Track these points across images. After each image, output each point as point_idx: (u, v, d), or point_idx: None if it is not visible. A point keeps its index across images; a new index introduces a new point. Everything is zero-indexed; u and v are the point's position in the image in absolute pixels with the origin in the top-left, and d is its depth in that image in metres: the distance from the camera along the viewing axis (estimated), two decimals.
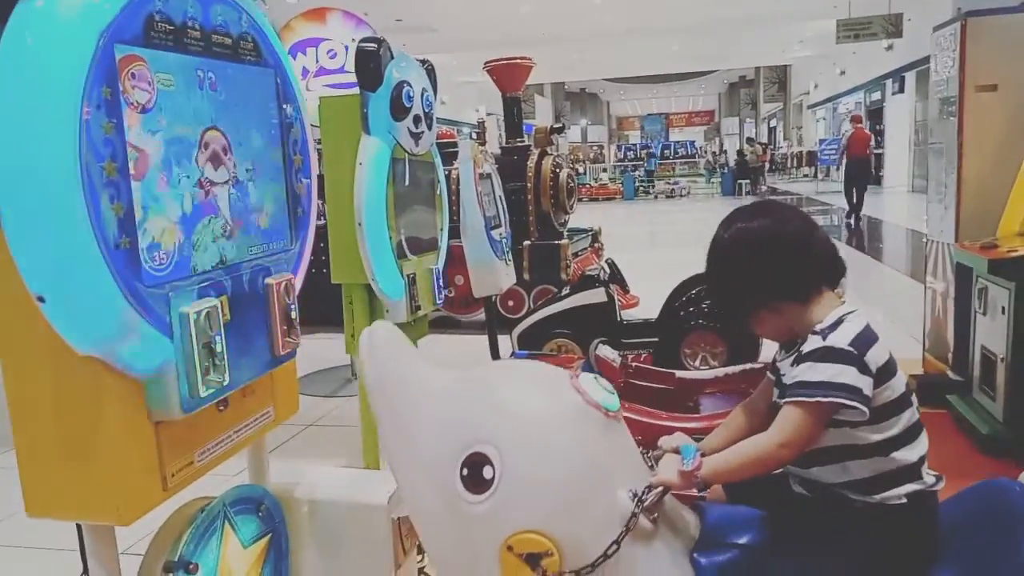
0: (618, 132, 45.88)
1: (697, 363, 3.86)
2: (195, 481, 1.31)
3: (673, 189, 23.19)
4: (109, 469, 1.13)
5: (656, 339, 4.01)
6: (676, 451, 1.27)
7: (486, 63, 5.99)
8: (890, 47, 16.95)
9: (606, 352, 2.70)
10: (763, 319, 1.33)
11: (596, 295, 4.14)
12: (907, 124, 18.37)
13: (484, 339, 4.16)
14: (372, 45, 2.46)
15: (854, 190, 12.70)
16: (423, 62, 2.81)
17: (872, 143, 13.99)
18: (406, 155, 2.69)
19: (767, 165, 25.59)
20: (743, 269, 1.31)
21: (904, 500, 1.19)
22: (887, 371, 1.21)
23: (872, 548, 1.18)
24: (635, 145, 33.49)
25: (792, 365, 1.25)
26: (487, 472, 1.13)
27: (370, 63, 2.44)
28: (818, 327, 1.25)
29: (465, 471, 1.15)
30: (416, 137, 2.70)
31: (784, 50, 23.81)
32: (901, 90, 19.12)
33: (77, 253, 1.00)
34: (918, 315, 4.39)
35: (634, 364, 3.03)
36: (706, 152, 32.83)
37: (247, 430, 1.44)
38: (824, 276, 1.30)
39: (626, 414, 2.48)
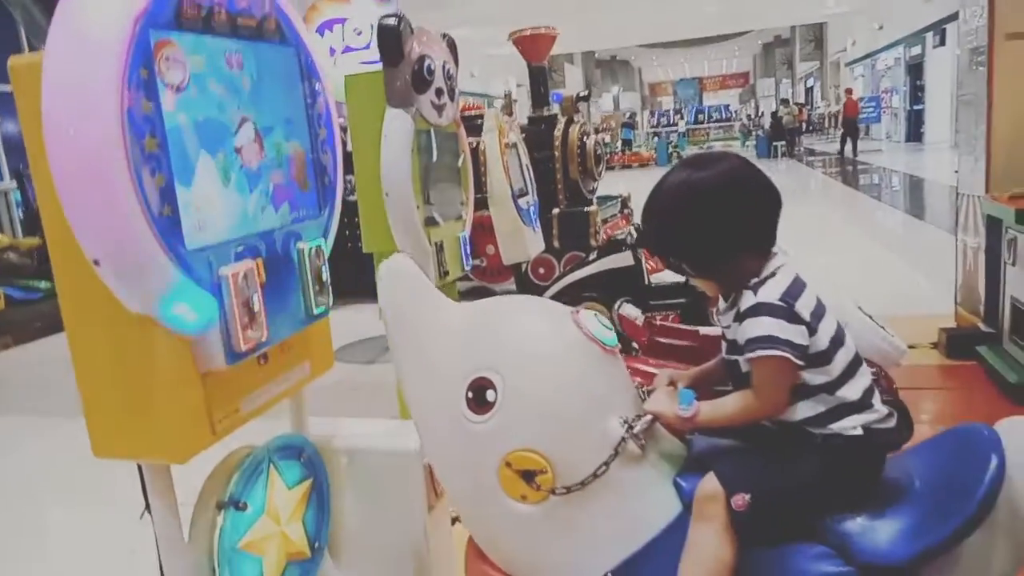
0: (651, 98, 45.19)
1: None
2: (240, 428, 1.44)
3: None
4: (163, 414, 1.26)
5: (683, 300, 4.06)
6: (670, 384, 1.36)
7: (511, 34, 6.01)
8: None
9: (629, 311, 2.78)
10: (711, 269, 1.35)
11: (623, 259, 4.20)
12: (948, 78, 17.81)
13: None
14: (392, 21, 2.55)
15: (848, 139, 19.28)
16: (444, 36, 2.88)
17: (859, 108, 20.83)
18: (430, 127, 2.78)
19: (804, 126, 25.08)
20: (704, 217, 1.30)
21: (859, 431, 1.27)
22: (816, 316, 1.27)
23: (827, 472, 1.26)
24: (668, 111, 33.03)
25: (735, 322, 1.32)
26: (490, 395, 1.25)
27: (391, 38, 2.53)
28: (752, 282, 1.30)
29: (470, 394, 1.26)
30: (439, 109, 2.79)
31: (820, 6, 23.12)
32: (942, 43, 18.50)
33: (125, 221, 1.11)
34: (951, 269, 4.36)
35: (659, 323, 3.10)
36: (741, 115, 32.21)
37: (286, 383, 1.56)
38: (773, 227, 1.33)
39: (650, 369, 2.58)
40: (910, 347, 2.76)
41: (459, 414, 1.27)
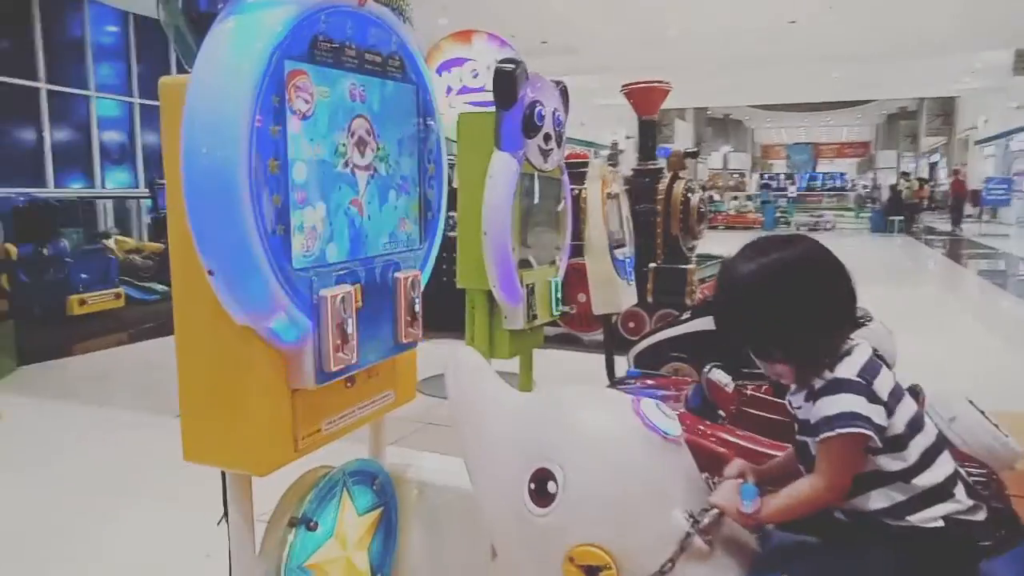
0: (762, 160, 44.37)
1: None
2: (321, 448, 1.47)
3: (817, 222, 22.14)
4: (253, 425, 1.31)
5: None
6: (739, 477, 1.30)
7: (624, 86, 6.06)
8: None
9: (719, 376, 2.68)
10: (797, 350, 1.25)
11: None
12: None
13: (601, 358, 4.21)
14: (509, 66, 2.62)
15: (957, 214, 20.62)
16: (557, 83, 2.94)
17: (966, 189, 21.88)
18: (535, 171, 2.82)
19: (925, 202, 23.93)
20: (788, 298, 1.23)
21: (940, 523, 1.17)
22: (895, 397, 1.20)
23: (908, 568, 1.17)
24: (778, 175, 32.28)
25: (807, 401, 1.24)
26: (551, 487, 1.22)
27: (506, 83, 2.60)
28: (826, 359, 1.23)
29: (532, 485, 1.24)
30: (545, 154, 2.83)
31: (952, 81, 22.21)
32: None
33: (242, 235, 1.18)
34: None
35: (750, 392, 2.98)
36: (857, 185, 31.09)
37: (369, 408, 1.60)
38: (852, 305, 1.26)
39: (734, 439, 2.47)
40: None
41: (522, 506, 1.25)
